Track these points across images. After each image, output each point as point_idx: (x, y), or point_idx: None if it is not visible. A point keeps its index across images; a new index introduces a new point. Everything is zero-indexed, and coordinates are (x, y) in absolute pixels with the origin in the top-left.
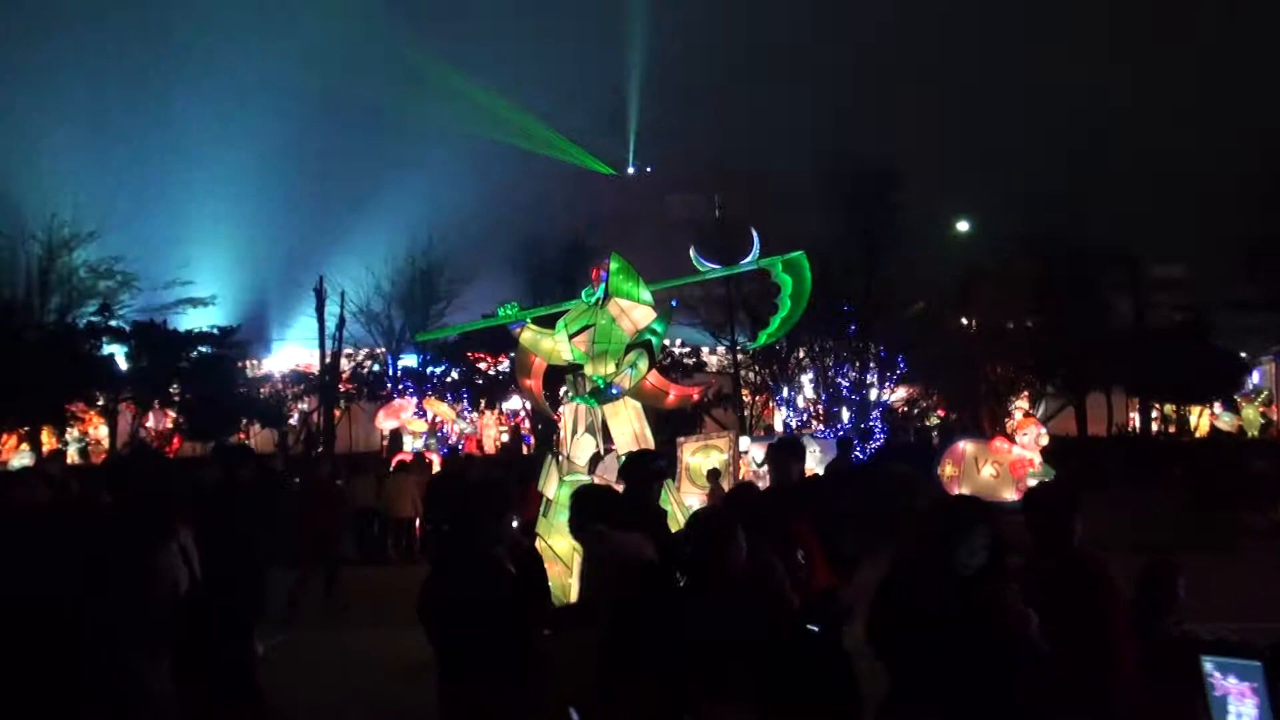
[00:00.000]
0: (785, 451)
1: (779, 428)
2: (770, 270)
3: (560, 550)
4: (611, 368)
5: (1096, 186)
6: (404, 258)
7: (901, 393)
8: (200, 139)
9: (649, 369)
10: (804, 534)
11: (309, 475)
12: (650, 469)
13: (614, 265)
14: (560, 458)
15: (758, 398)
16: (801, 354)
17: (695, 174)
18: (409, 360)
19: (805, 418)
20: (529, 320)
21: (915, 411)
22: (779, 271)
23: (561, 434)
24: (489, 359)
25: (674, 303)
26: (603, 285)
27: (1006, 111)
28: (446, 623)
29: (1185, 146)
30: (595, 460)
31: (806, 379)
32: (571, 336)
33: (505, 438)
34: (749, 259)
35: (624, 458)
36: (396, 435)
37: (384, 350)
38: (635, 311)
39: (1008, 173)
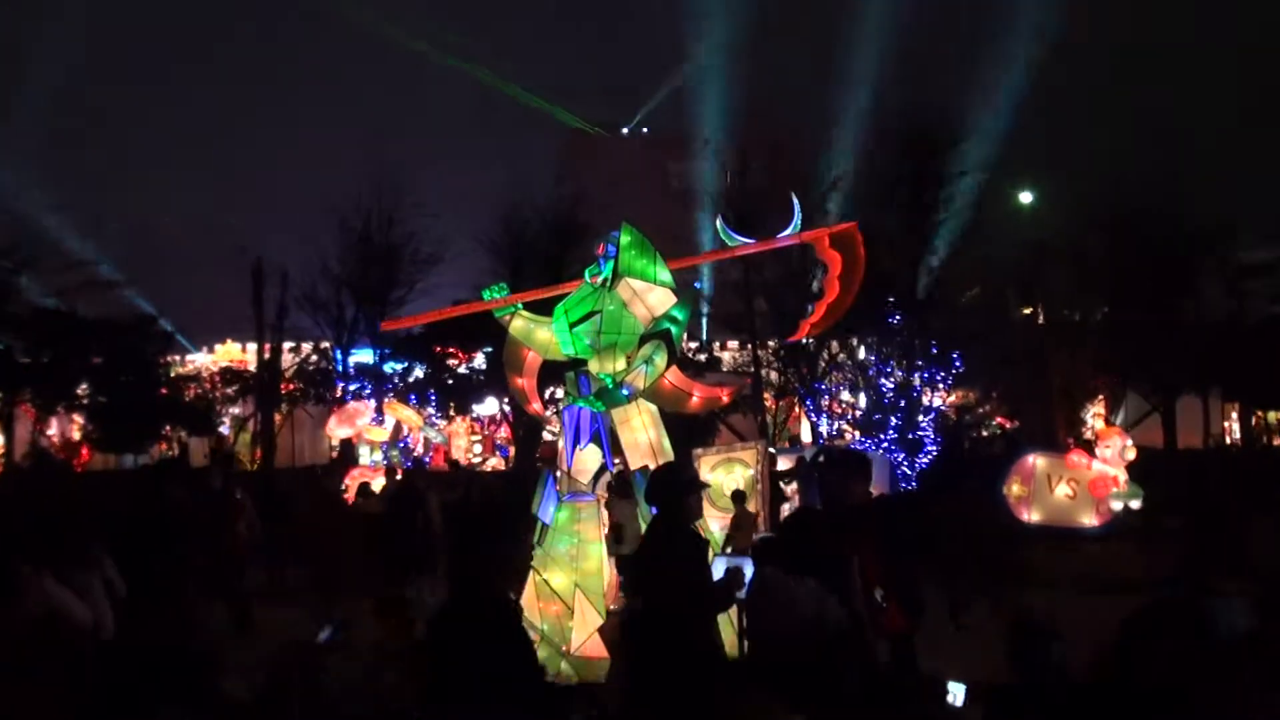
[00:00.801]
0: (846, 467)
1: (806, 438)
2: (815, 245)
3: (559, 586)
4: (621, 363)
5: (1187, 155)
6: (357, 234)
7: (955, 397)
8: (108, 87)
9: (668, 365)
10: (874, 567)
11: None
12: (683, 480)
13: (625, 238)
14: (557, 474)
15: (781, 402)
16: (835, 349)
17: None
18: (363, 355)
19: (840, 426)
20: (520, 306)
21: (969, 419)
22: (826, 247)
23: (560, 445)
24: (459, 354)
25: (699, 284)
26: (610, 262)
27: (1080, 68)
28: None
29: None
30: (600, 477)
31: (841, 379)
32: (572, 325)
33: (479, 449)
34: (789, 231)
35: (648, 475)
36: (349, 446)
37: (333, 344)
38: (651, 295)
39: (1081, 139)
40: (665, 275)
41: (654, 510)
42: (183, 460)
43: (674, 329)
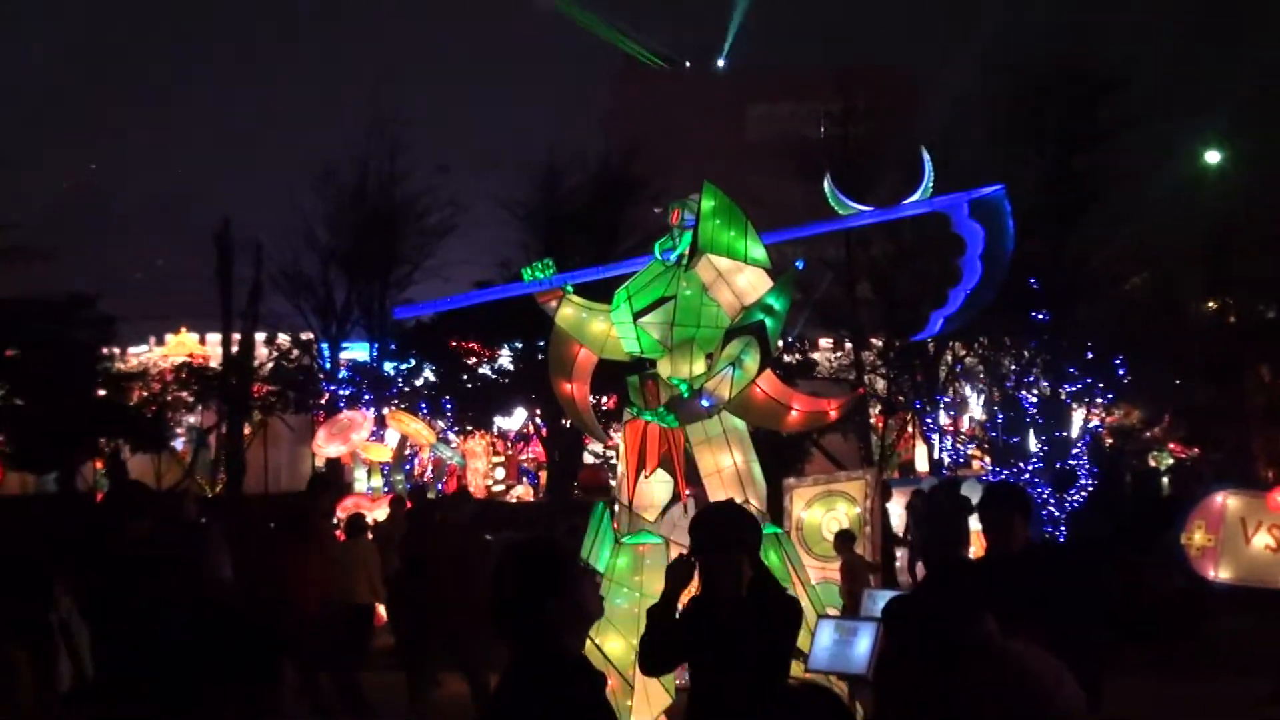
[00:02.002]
0: (1008, 504)
1: (922, 465)
2: (950, 216)
3: (615, 654)
4: (701, 365)
5: None
6: (350, 193)
7: (1114, 416)
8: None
9: (761, 369)
10: (1037, 637)
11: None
12: (737, 529)
13: (707, 202)
14: (616, 508)
15: (891, 420)
16: (962, 352)
17: (789, 75)
18: (358, 351)
19: (967, 451)
20: (570, 289)
21: (1131, 445)
22: (964, 217)
23: (620, 471)
24: (481, 351)
25: (800, 263)
26: (687, 234)
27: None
28: None
29: None
30: (670, 512)
31: (970, 392)
32: (637, 315)
33: (501, 473)
34: (916, 196)
35: (700, 508)
36: (335, 467)
37: (319, 335)
38: (740, 276)
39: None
40: (758, 251)
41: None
42: (139, 486)
43: (769, 322)
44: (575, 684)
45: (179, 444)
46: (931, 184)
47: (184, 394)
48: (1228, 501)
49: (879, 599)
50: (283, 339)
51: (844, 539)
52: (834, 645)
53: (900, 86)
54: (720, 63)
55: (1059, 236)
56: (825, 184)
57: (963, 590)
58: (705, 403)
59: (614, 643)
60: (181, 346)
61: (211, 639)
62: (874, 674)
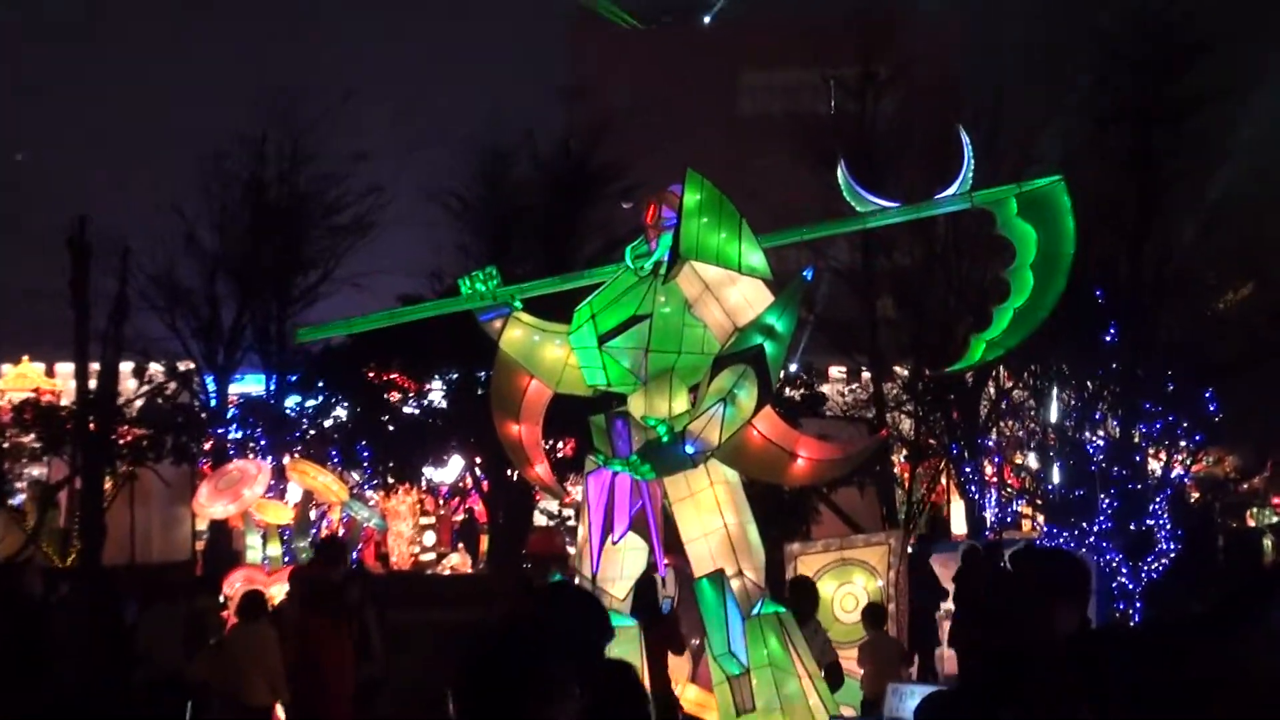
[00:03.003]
0: (1050, 575)
1: (959, 526)
2: (994, 213)
3: None
4: (683, 401)
5: None
6: (242, 183)
7: (1202, 463)
8: None
9: (759, 405)
10: None
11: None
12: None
13: (691, 196)
14: (577, 580)
15: (919, 468)
16: (1009, 385)
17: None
18: (250, 385)
19: (1017, 508)
20: (519, 304)
21: (1218, 500)
22: (1010, 215)
23: (582, 535)
24: (410, 383)
25: (808, 272)
26: (666, 237)
27: None
28: None
29: None
30: (647, 590)
31: (1019, 433)
32: (604, 338)
33: (431, 537)
34: (953, 189)
35: (716, 583)
36: (221, 532)
37: (201, 365)
38: (732, 289)
39: None
40: (756, 258)
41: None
42: None
43: (769, 346)
44: None
45: (18, 501)
46: (972, 173)
47: (26, 439)
48: None
49: (908, 696)
50: (155, 369)
51: (873, 617)
52: None
53: (933, 49)
54: (706, 19)
55: (1134, 236)
56: (839, 173)
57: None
58: (689, 449)
59: None
60: (23, 379)
61: None
62: None
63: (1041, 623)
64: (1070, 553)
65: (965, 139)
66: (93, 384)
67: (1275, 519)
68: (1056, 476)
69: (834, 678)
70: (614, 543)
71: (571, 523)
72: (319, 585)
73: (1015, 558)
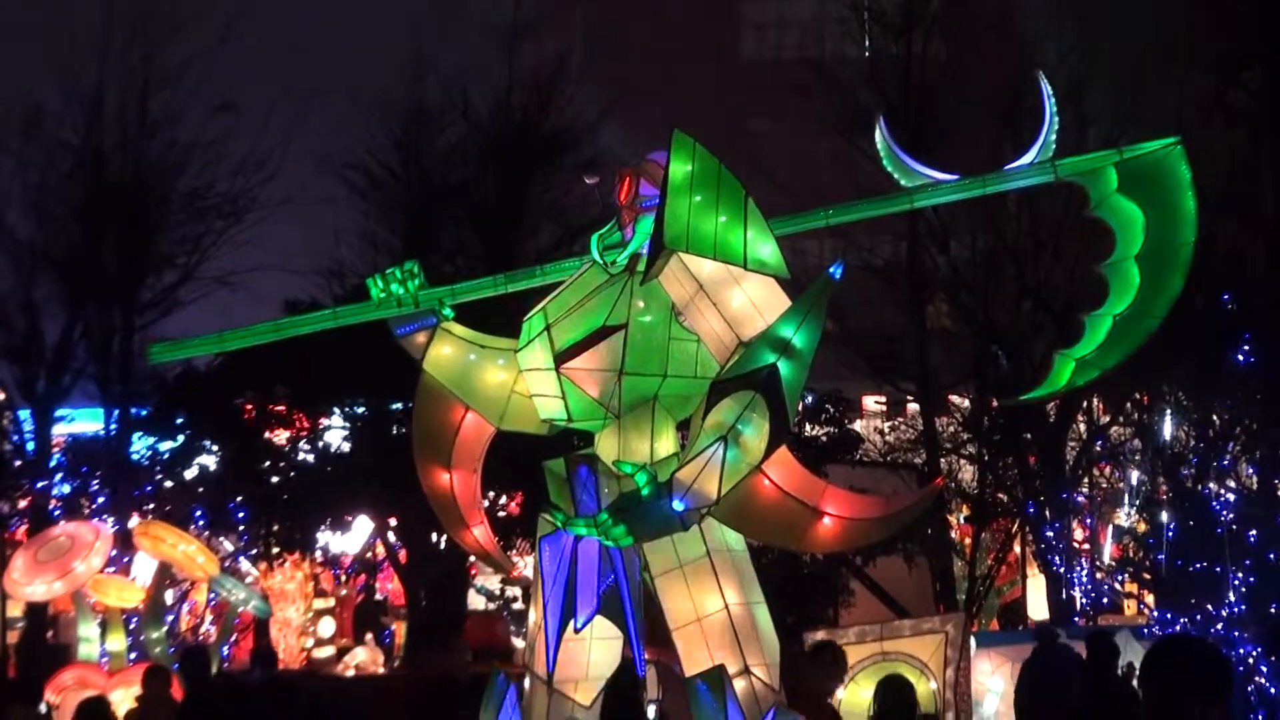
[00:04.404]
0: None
1: (1039, 609)
2: (1087, 187)
3: None
4: (669, 441)
5: None
6: (74, 150)
7: None
8: None
9: (771, 446)
10: None
11: None
12: None
13: (679, 165)
14: (527, 683)
15: (986, 531)
16: (1105, 420)
17: None
18: (83, 422)
19: (1116, 585)
20: (450, 313)
21: None
22: (1111, 190)
23: (533, 620)
24: (299, 419)
25: (836, 269)
26: (646, 221)
27: None
28: None
29: None
30: (625, 695)
31: (1117, 483)
32: (562, 357)
33: (330, 628)
34: (1034, 154)
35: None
36: (38, 620)
37: (17, 397)
38: (735, 291)
39: None
40: (766, 249)
41: None
42: None
43: (786, 367)
44: None
45: None
46: (1055, 136)
47: None
48: None
49: None
50: None
51: None
52: None
53: None
54: None
55: (1274, 222)
56: (878, 135)
57: None
58: (678, 504)
59: None
60: None
61: None
62: None
63: None
64: (1213, 644)
65: (1047, 90)
66: None
67: None
68: (1170, 543)
69: None
70: (576, 631)
71: (519, 605)
72: None
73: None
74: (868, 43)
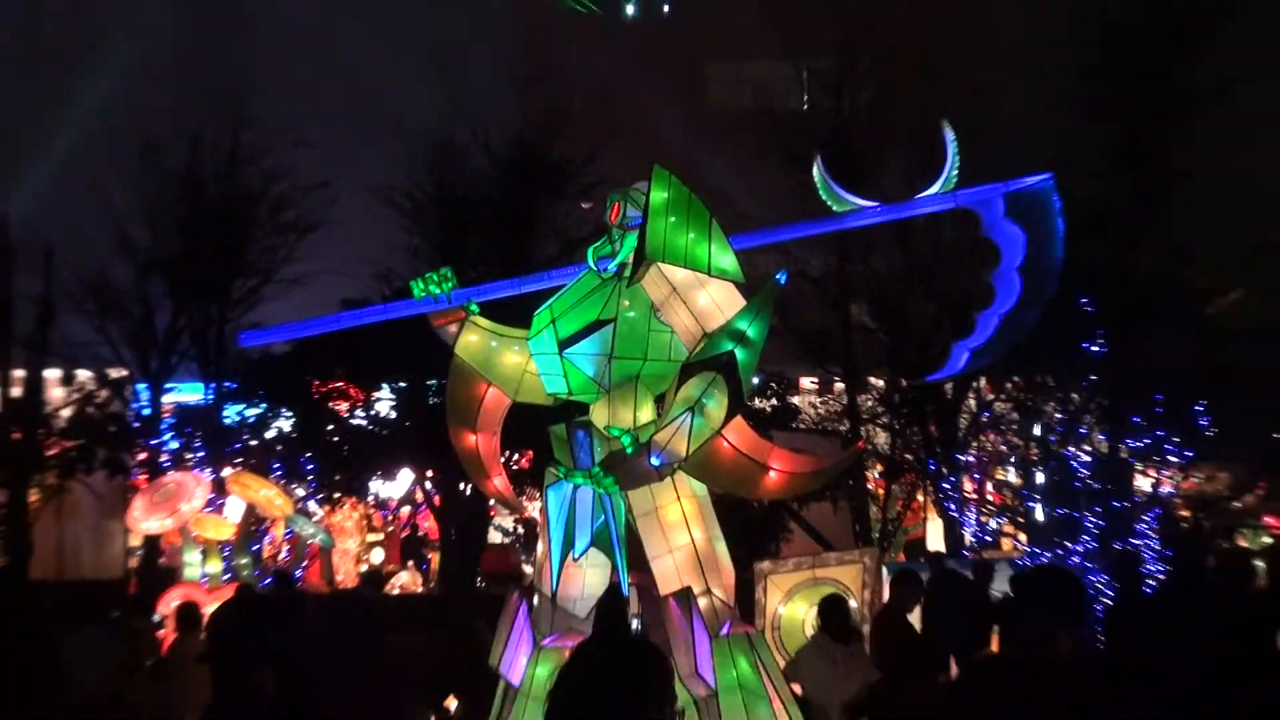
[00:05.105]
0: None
1: (936, 544)
2: (978, 214)
3: None
4: (649, 411)
5: None
6: (179, 179)
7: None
8: None
9: (729, 415)
10: None
11: None
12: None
13: (658, 193)
14: (536, 600)
15: (895, 484)
16: (990, 397)
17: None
18: (187, 394)
19: (997, 525)
20: (476, 309)
21: (1209, 520)
22: (999, 216)
23: (541, 551)
24: (357, 392)
25: (782, 276)
26: (631, 237)
27: None
28: None
29: None
30: (612, 605)
31: (1001, 447)
32: (565, 343)
33: (380, 556)
34: (938, 186)
35: (686, 600)
36: (153, 549)
37: (135, 373)
38: (701, 293)
39: None
40: (727, 260)
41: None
42: None
43: (741, 353)
44: None
45: None
46: (956, 172)
47: None
48: None
49: None
50: (84, 376)
51: (847, 634)
52: None
53: (916, 40)
54: (665, 7)
55: (1126, 241)
56: (815, 170)
57: None
58: (655, 460)
59: None
60: None
61: None
62: None
63: (1045, 644)
64: (1072, 574)
65: (949, 135)
66: (17, 392)
67: (1268, 539)
68: (1039, 493)
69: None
70: (575, 560)
71: (528, 539)
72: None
73: (1017, 580)
74: (806, 97)
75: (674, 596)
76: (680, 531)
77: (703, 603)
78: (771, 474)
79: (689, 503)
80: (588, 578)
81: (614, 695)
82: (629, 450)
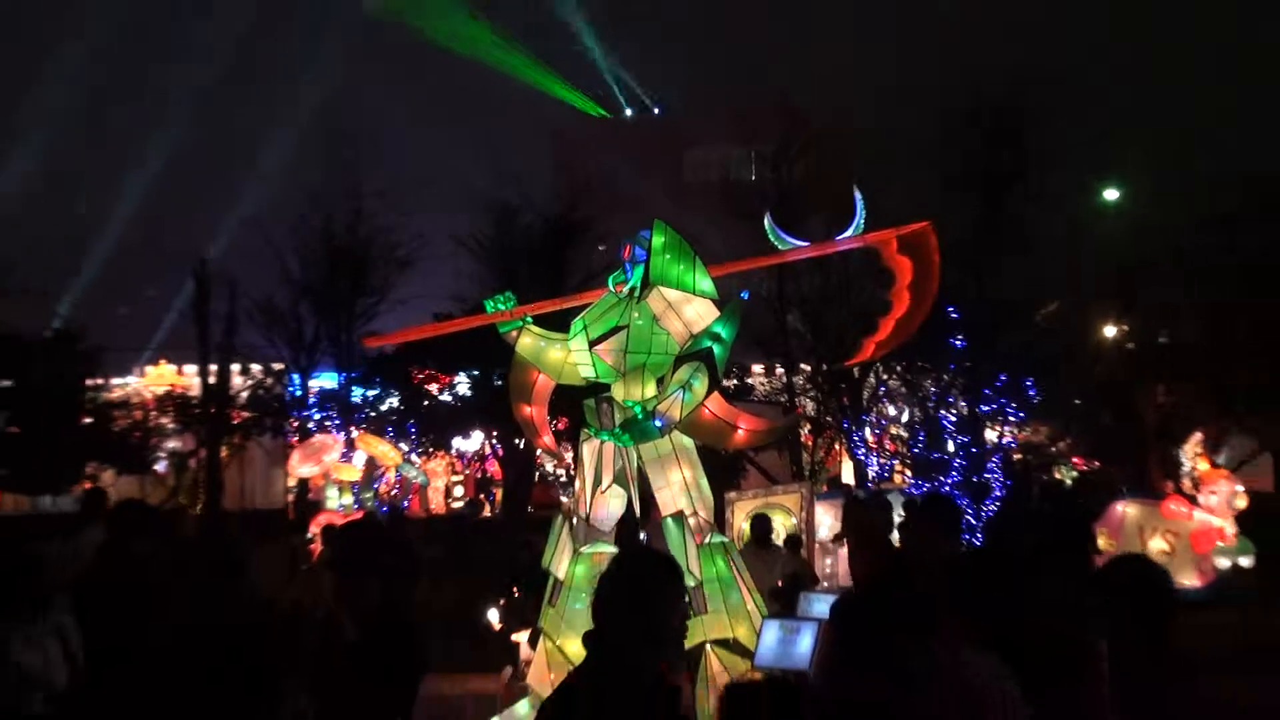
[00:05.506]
0: (935, 516)
1: (848, 479)
2: (880, 250)
3: (573, 652)
4: (652, 389)
5: None
6: (318, 232)
7: (1024, 434)
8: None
9: (709, 392)
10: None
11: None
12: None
13: (657, 239)
14: (575, 520)
15: (820, 438)
16: (885, 376)
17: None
18: (325, 380)
19: (889, 467)
20: (530, 320)
21: (1034, 460)
22: (893, 253)
23: (578, 486)
24: (440, 378)
25: (745, 294)
26: (639, 268)
27: (1179, 55)
28: None
29: None
30: (627, 524)
31: (893, 411)
32: (593, 343)
33: (460, 491)
34: (850, 232)
35: (681, 522)
36: (305, 486)
37: (289, 365)
38: (688, 307)
39: (1185, 135)
40: (706, 284)
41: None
42: (142, 505)
43: (717, 349)
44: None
45: (161, 466)
46: (863, 220)
47: (166, 421)
48: (1126, 510)
49: (815, 601)
50: (256, 369)
51: (792, 544)
52: (778, 644)
53: (833, 128)
54: (656, 110)
55: (977, 270)
56: (766, 221)
57: (910, 602)
58: (657, 423)
59: (574, 644)
60: (161, 378)
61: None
62: (817, 674)
63: (930, 549)
64: (950, 499)
65: (858, 196)
66: (211, 380)
67: (1074, 473)
68: (920, 442)
69: (798, 583)
70: (602, 492)
71: (563, 480)
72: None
73: (910, 504)
74: (754, 171)
75: (671, 517)
76: (675, 471)
77: (691, 521)
78: (739, 431)
79: (681, 451)
80: (610, 504)
81: (655, 584)
82: (639, 416)
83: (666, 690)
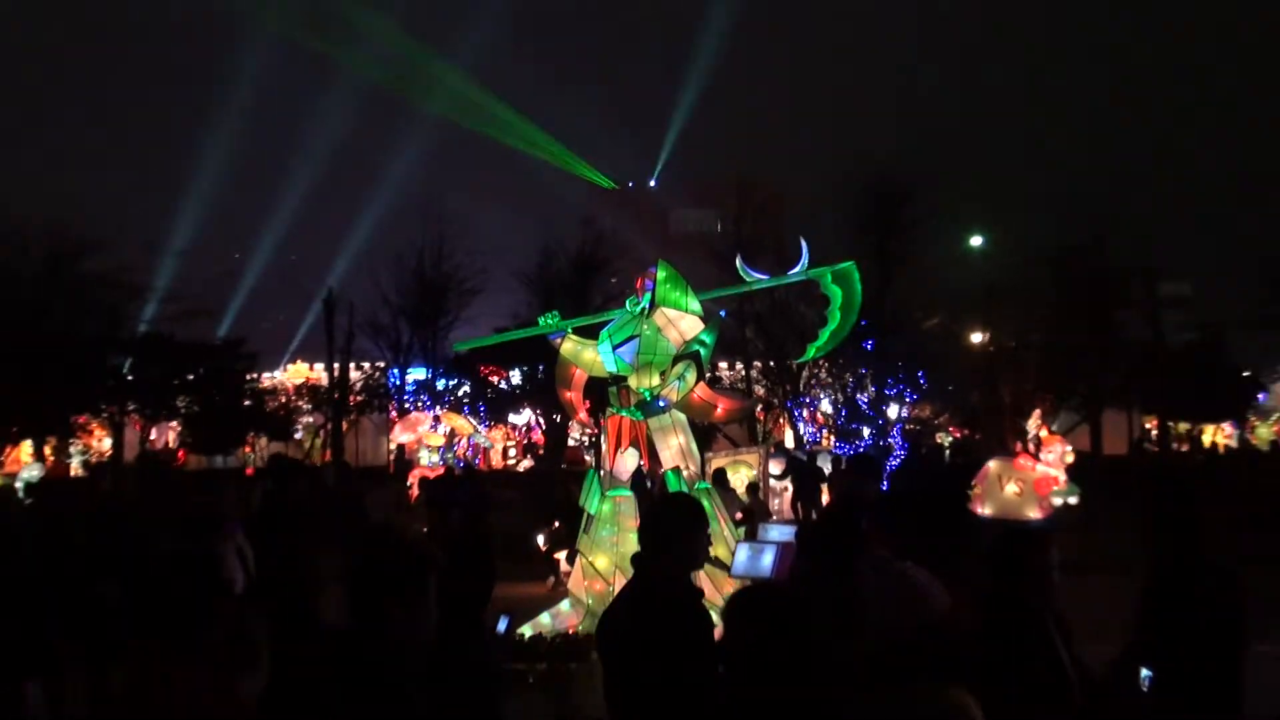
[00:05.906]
0: (863, 468)
1: (790, 443)
2: (819, 281)
3: (602, 567)
4: (657, 380)
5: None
6: (412, 270)
7: (916, 410)
8: (200, 152)
9: (697, 381)
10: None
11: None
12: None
13: (661, 274)
14: (602, 472)
15: (769, 413)
16: (819, 369)
17: (698, 189)
18: (417, 373)
19: (819, 434)
20: (570, 330)
21: (920, 429)
22: (828, 283)
23: (604, 448)
24: (500, 372)
25: (723, 313)
26: (648, 294)
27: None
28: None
29: (1206, 166)
30: (639, 474)
31: (822, 395)
32: (615, 347)
33: (513, 453)
34: (798, 269)
35: (679, 474)
36: (402, 449)
37: (390, 363)
38: (683, 321)
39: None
40: (695, 305)
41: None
42: (294, 460)
43: (702, 350)
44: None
45: (299, 435)
46: (806, 259)
47: (302, 403)
48: (990, 464)
49: (770, 530)
50: (367, 366)
51: (753, 489)
52: (748, 560)
53: (775, 194)
54: (652, 182)
55: (879, 291)
56: (738, 261)
57: (857, 527)
58: (661, 404)
59: (601, 560)
60: (299, 373)
61: (381, 560)
62: (790, 580)
63: (860, 490)
64: (872, 456)
65: (804, 243)
66: (335, 374)
67: (950, 439)
68: (842, 417)
69: (750, 518)
70: (621, 453)
71: (589, 444)
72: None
73: (838, 460)
74: (720, 225)
75: (670, 470)
76: (673, 437)
77: (685, 473)
78: (718, 409)
79: (678, 423)
80: (626, 460)
81: (689, 519)
82: (648, 398)
83: (694, 592)
